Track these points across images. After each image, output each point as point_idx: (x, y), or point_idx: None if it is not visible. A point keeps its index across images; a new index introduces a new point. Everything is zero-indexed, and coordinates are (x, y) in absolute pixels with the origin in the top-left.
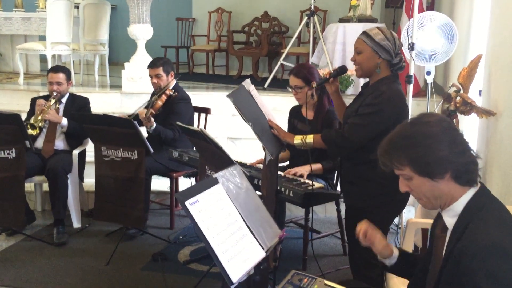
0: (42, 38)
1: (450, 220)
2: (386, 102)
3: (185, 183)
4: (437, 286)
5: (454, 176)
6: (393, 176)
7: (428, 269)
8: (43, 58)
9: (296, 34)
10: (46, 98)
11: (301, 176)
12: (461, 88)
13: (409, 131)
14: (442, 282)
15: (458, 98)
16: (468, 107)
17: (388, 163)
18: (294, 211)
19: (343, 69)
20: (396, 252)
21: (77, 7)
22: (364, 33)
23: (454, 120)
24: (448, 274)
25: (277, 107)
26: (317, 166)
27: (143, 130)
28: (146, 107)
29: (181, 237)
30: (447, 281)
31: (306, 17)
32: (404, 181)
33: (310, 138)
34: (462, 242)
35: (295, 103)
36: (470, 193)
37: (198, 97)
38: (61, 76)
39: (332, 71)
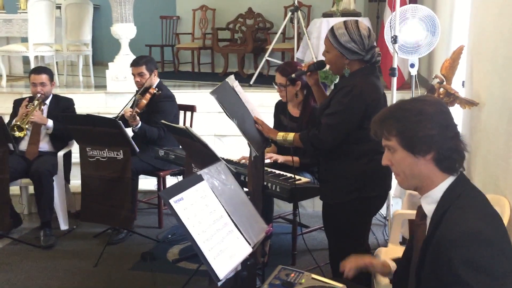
0: (25, 40)
1: (428, 207)
2: (357, 98)
3: (172, 181)
4: (419, 275)
5: (436, 159)
6: (364, 173)
7: (411, 258)
8: (26, 60)
9: (281, 30)
10: (30, 99)
11: (276, 160)
12: (444, 80)
13: (407, 105)
14: (423, 270)
15: (441, 90)
16: (451, 98)
17: (379, 131)
18: (283, 207)
19: (320, 64)
20: (394, 267)
21: (59, 7)
22: (331, 30)
23: None
24: (429, 262)
25: (264, 103)
26: (295, 159)
27: (129, 131)
28: (131, 106)
29: (169, 236)
30: (428, 270)
31: (290, 13)
32: (388, 153)
33: (291, 136)
34: (440, 230)
35: (280, 98)
36: (449, 180)
37: (184, 95)
38: (44, 77)
39: (310, 64)
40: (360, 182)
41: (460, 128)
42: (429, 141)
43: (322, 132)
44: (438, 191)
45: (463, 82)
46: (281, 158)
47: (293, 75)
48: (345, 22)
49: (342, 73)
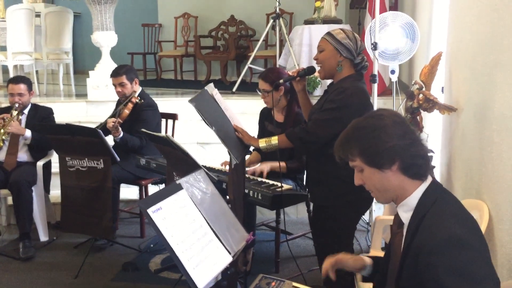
0: (3, 49)
1: (405, 215)
2: (349, 98)
3: (154, 190)
4: (397, 283)
5: (402, 168)
6: None
7: (388, 266)
8: (5, 69)
9: (263, 37)
10: (8, 109)
11: (261, 172)
12: (423, 86)
13: (362, 124)
14: (402, 278)
15: (420, 96)
16: (430, 104)
17: (343, 155)
18: (266, 214)
19: (310, 69)
20: (369, 262)
21: (38, 15)
22: (327, 33)
23: (418, 117)
24: (408, 270)
25: (246, 110)
26: (281, 164)
27: (110, 139)
28: (113, 116)
29: (152, 245)
30: (407, 277)
31: (272, 20)
32: (358, 173)
33: (275, 140)
34: (418, 237)
35: (264, 106)
36: (422, 187)
37: (167, 103)
38: (22, 87)
39: (300, 70)
40: (354, 185)
41: (440, 135)
42: (390, 153)
43: (311, 126)
44: (413, 199)
45: (442, 88)
46: (266, 168)
47: (281, 81)
48: (340, 28)
49: (334, 72)
